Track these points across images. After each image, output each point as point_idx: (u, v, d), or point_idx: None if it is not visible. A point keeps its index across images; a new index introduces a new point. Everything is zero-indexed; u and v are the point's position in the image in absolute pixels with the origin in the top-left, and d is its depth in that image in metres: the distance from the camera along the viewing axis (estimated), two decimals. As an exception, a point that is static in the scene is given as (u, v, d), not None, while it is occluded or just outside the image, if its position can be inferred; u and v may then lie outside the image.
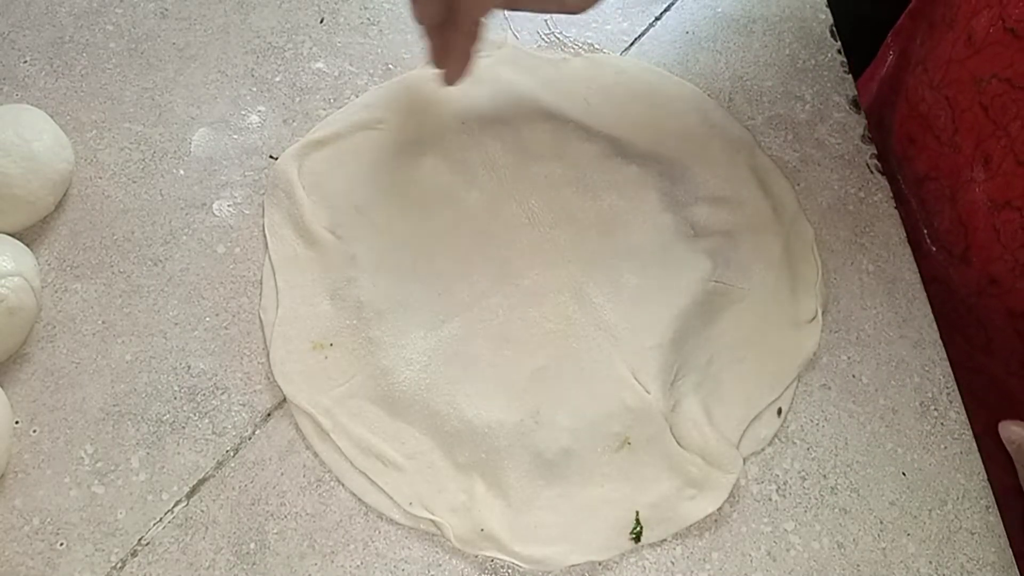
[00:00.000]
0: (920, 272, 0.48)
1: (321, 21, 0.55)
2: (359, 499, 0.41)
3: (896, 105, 0.54)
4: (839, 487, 0.42)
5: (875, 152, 0.51)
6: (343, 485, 0.41)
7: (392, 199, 0.47)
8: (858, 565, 0.41)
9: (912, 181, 0.52)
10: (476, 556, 0.40)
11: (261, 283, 0.46)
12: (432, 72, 0.48)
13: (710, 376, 0.44)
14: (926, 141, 0.50)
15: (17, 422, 0.42)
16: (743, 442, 0.43)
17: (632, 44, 0.55)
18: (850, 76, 0.54)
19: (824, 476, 0.42)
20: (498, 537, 0.40)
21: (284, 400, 0.43)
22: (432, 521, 0.40)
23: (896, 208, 0.50)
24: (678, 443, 0.42)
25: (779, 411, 0.43)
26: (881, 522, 0.42)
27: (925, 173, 0.51)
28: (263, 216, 0.48)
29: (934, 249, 0.50)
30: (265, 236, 0.47)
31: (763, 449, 0.43)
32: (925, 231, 0.50)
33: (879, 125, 0.54)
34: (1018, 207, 0.44)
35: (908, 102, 0.52)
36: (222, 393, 0.43)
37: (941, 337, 0.46)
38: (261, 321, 0.45)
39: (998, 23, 0.44)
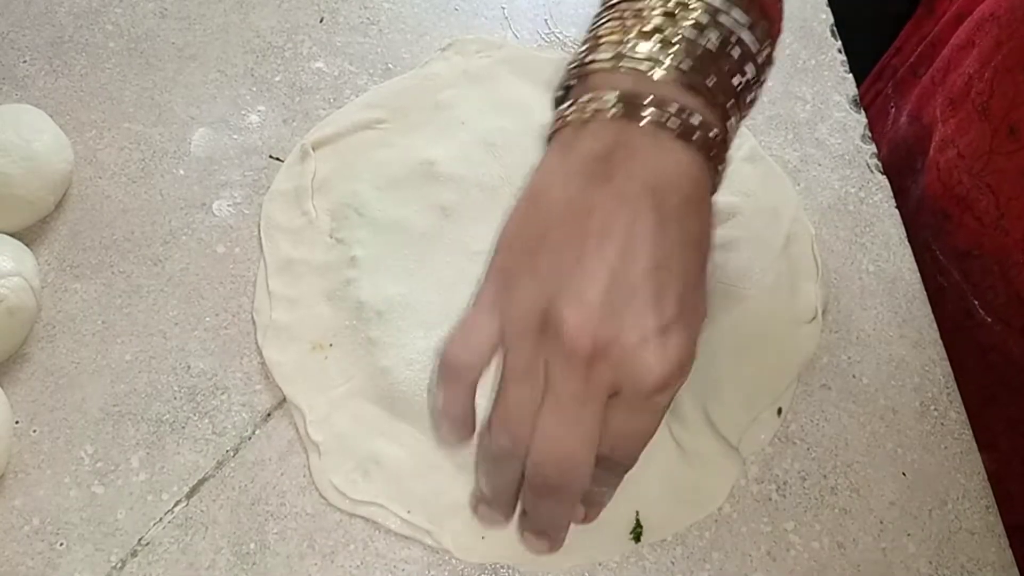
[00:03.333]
0: (975, 340, 0.47)
1: (321, 21, 0.55)
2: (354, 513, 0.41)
3: (922, 179, 0.51)
4: (839, 487, 0.42)
5: (875, 152, 0.51)
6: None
7: (392, 199, 0.47)
8: (858, 565, 0.41)
9: (952, 255, 0.48)
10: (476, 556, 0.40)
11: (256, 284, 0.46)
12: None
13: (710, 376, 0.44)
14: (964, 220, 0.47)
15: (17, 422, 0.42)
16: (743, 442, 0.43)
17: (632, 44, 0.55)
18: (850, 76, 0.54)
19: (824, 476, 0.42)
20: (499, 538, 0.40)
21: (284, 400, 0.43)
22: (429, 532, 0.40)
23: (897, 208, 0.50)
24: (678, 443, 0.42)
25: (779, 411, 0.43)
26: (881, 522, 0.42)
27: (967, 250, 0.47)
28: (261, 217, 0.48)
29: (989, 320, 0.47)
30: (260, 237, 0.47)
31: (763, 449, 0.43)
32: (976, 302, 0.47)
33: (899, 190, 0.50)
34: None
35: (941, 182, 0.49)
36: (222, 393, 0.43)
37: (1003, 399, 0.46)
38: (255, 323, 0.45)
39: None
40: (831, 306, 0.47)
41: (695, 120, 0.31)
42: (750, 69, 0.33)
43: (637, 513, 0.41)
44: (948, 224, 0.49)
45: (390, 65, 0.53)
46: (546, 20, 0.55)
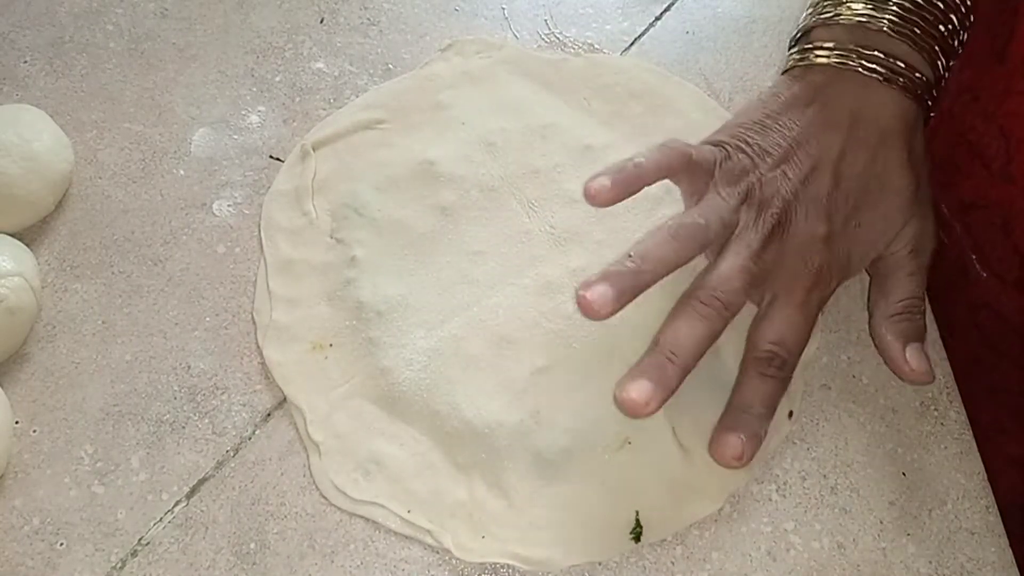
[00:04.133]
0: (967, 299, 0.47)
1: (321, 21, 0.55)
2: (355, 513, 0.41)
3: (937, 130, 0.52)
4: (839, 487, 0.42)
5: (963, 128, 0.51)
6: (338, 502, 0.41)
7: (392, 199, 0.47)
8: (858, 565, 0.41)
9: (957, 208, 0.50)
10: (476, 556, 0.40)
11: (256, 284, 0.46)
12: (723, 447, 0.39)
13: (712, 377, 0.44)
14: (973, 169, 0.49)
15: (17, 422, 0.42)
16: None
17: (632, 44, 0.55)
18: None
19: (824, 476, 0.42)
20: (498, 538, 0.40)
21: (284, 400, 0.43)
22: (429, 531, 0.40)
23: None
24: (680, 444, 0.42)
25: (790, 414, 0.43)
26: (881, 522, 0.42)
27: (972, 201, 0.49)
28: (261, 217, 0.48)
29: (984, 275, 0.48)
30: (261, 237, 0.47)
31: (772, 456, 0.43)
32: (974, 256, 0.48)
33: None
34: None
35: (954, 130, 0.50)
36: (222, 393, 0.43)
37: (988, 363, 0.46)
38: (255, 323, 0.45)
39: None
40: (831, 306, 0.47)
41: (900, 65, 0.41)
42: (955, 17, 0.42)
43: (637, 513, 0.41)
44: (957, 175, 0.50)
45: (390, 65, 0.53)
46: (546, 21, 0.55)
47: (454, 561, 0.40)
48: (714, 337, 0.39)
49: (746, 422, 0.39)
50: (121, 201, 0.48)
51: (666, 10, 0.56)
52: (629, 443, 0.42)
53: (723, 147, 0.42)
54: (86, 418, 0.43)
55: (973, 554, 0.41)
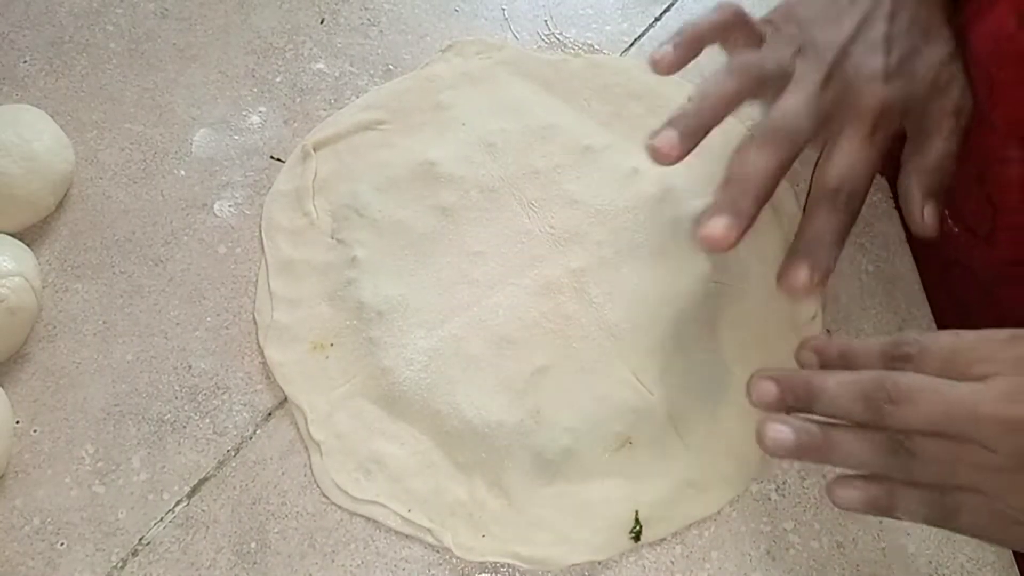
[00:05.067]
0: (941, 255, 0.48)
1: (322, 22, 0.55)
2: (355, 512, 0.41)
3: None
4: (839, 487, 0.42)
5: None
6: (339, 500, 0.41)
7: (392, 200, 0.47)
8: (858, 565, 0.41)
9: None
10: (476, 556, 0.40)
11: (257, 284, 0.46)
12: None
13: (712, 377, 0.44)
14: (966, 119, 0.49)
15: (17, 422, 0.42)
16: (752, 447, 0.42)
17: (632, 44, 0.55)
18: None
19: (824, 476, 0.42)
20: (499, 537, 0.40)
21: (285, 400, 0.43)
22: (429, 530, 0.40)
23: (896, 208, 0.50)
24: (683, 443, 0.42)
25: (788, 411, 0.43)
26: (881, 522, 0.42)
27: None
28: (262, 217, 0.48)
29: (956, 230, 0.49)
30: (261, 237, 0.47)
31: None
32: (946, 211, 0.49)
33: None
34: None
35: None
36: (223, 393, 0.43)
37: (960, 322, 0.46)
38: (256, 323, 0.45)
39: None
40: (831, 305, 0.47)
41: None
42: None
43: (637, 513, 0.41)
44: None
45: (391, 66, 0.54)
46: (546, 21, 0.55)
47: (454, 560, 0.40)
48: (784, 168, 0.39)
49: (815, 251, 0.39)
50: (122, 201, 0.48)
51: (666, 10, 0.56)
52: (630, 443, 0.42)
53: (770, 23, 0.44)
54: (87, 418, 0.43)
55: (973, 554, 0.41)
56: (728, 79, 0.40)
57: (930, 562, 0.41)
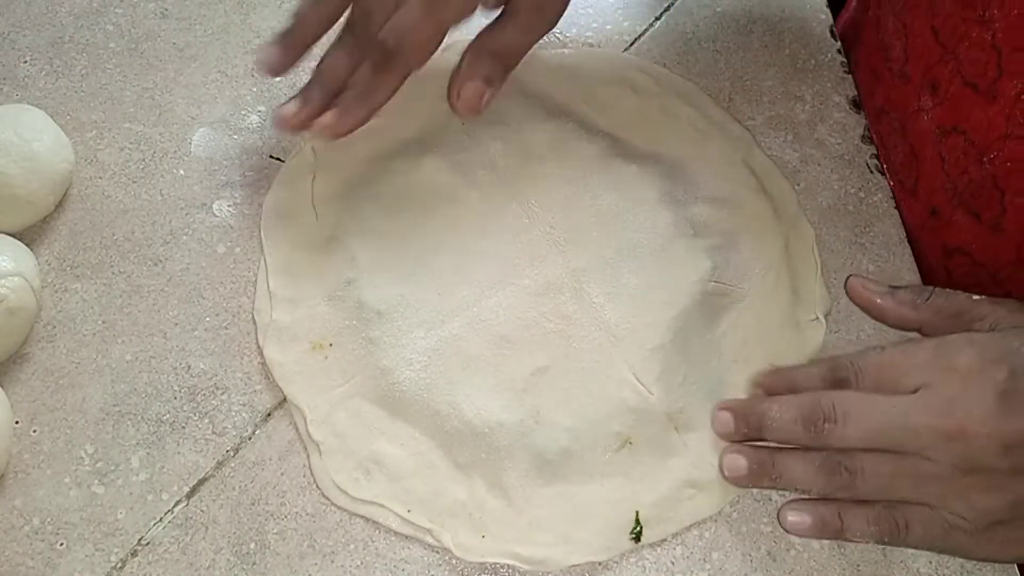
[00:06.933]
0: (945, 244, 0.49)
1: (321, 21, 0.55)
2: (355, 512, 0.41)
3: (862, 38, 0.56)
4: (839, 487, 0.42)
5: (875, 152, 0.51)
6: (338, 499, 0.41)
7: (392, 199, 0.47)
8: (858, 565, 0.41)
9: (873, 115, 0.53)
10: (476, 556, 0.40)
11: (256, 284, 0.46)
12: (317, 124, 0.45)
13: (714, 377, 0.44)
14: (883, 73, 0.52)
15: (17, 422, 0.42)
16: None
17: (632, 44, 0.55)
18: (850, 76, 0.54)
19: (824, 476, 0.42)
20: (498, 538, 0.40)
21: (284, 400, 0.43)
22: (429, 531, 0.40)
23: (896, 208, 0.50)
24: (684, 443, 0.42)
25: None
26: (881, 522, 0.42)
27: (881, 106, 0.52)
28: (261, 217, 0.48)
29: (891, 183, 0.51)
30: (261, 237, 0.47)
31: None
32: (884, 165, 0.51)
33: (852, 65, 0.55)
34: (963, 130, 0.45)
35: (875, 33, 0.53)
36: (222, 393, 0.43)
37: None
38: (255, 323, 0.45)
39: None
40: (831, 306, 0.47)
41: None
42: None
43: (637, 513, 0.41)
44: (874, 82, 0.53)
45: (390, 65, 0.53)
46: (546, 20, 0.55)
47: (454, 561, 0.40)
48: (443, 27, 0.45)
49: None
50: (121, 201, 0.48)
51: (666, 10, 0.56)
52: (630, 443, 0.42)
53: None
54: (86, 418, 0.43)
55: (973, 554, 0.41)
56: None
57: (930, 562, 0.41)
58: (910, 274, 0.48)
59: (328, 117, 0.44)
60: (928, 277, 0.49)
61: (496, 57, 0.45)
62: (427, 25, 0.43)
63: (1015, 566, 0.41)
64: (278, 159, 0.50)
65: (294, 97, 0.45)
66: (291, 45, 0.45)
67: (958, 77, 0.44)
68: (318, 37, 0.45)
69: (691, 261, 0.46)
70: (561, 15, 0.47)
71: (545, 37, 0.50)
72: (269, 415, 0.43)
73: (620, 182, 0.48)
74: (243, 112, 0.51)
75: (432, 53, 0.45)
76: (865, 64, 0.55)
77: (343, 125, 0.44)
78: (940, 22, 0.45)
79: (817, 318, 0.46)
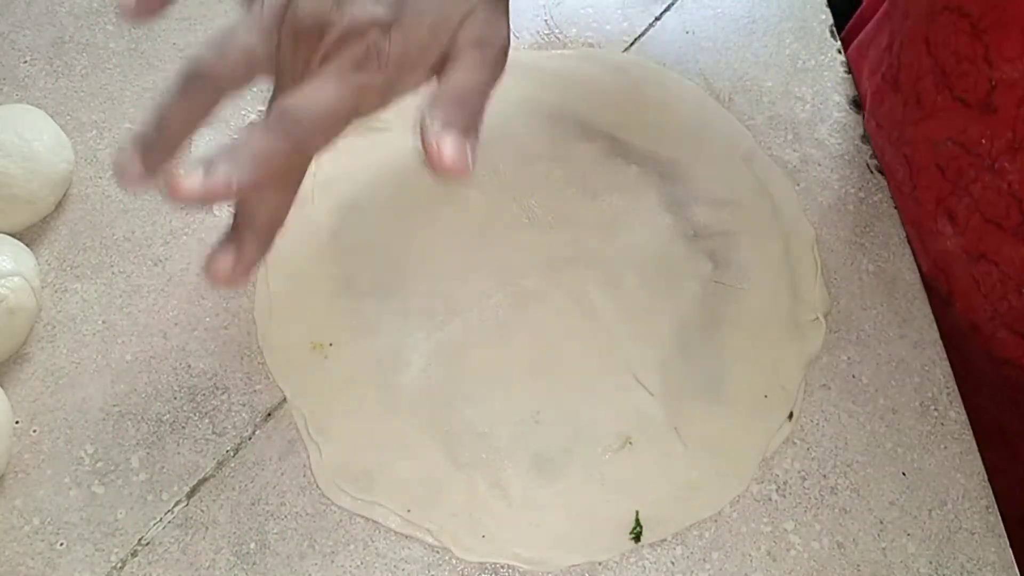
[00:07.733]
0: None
1: (321, 21, 0.55)
2: (355, 512, 0.41)
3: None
4: (839, 487, 0.42)
5: (875, 152, 0.51)
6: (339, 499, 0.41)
7: (393, 199, 0.47)
8: (858, 565, 0.41)
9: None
10: (476, 556, 0.40)
11: (256, 284, 0.46)
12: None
13: (713, 377, 0.44)
14: (891, 187, 0.50)
15: (17, 422, 0.42)
16: (752, 447, 0.42)
17: (632, 44, 0.55)
18: (850, 76, 0.54)
19: (824, 476, 0.42)
20: (499, 538, 0.40)
21: (284, 400, 0.43)
22: (429, 531, 0.40)
23: (896, 208, 0.50)
24: (683, 443, 0.42)
25: (790, 415, 0.43)
26: (881, 522, 0.42)
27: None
28: (263, 216, 0.48)
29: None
30: (265, 236, 0.47)
31: (772, 456, 0.43)
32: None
33: None
34: (995, 261, 0.44)
35: (874, 146, 0.52)
36: (222, 393, 0.43)
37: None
38: (255, 323, 0.45)
39: (944, 91, 0.43)
40: (831, 306, 0.47)
41: None
42: None
43: (637, 513, 0.41)
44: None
45: (390, 65, 0.53)
46: (546, 20, 0.55)
47: (454, 561, 0.40)
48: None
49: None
50: (121, 201, 0.48)
51: (666, 10, 0.56)
52: (629, 443, 0.42)
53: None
54: (86, 418, 0.43)
55: (973, 554, 0.41)
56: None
57: (930, 562, 0.41)
58: (910, 274, 0.48)
59: (223, 260, 0.37)
60: (982, 381, 0.48)
61: (459, 103, 0.37)
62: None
63: (1015, 566, 0.41)
64: (278, 159, 0.50)
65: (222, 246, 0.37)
66: (153, 151, 0.36)
67: (977, 213, 0.44)
68: (187, 137, 0.37)
69: (691, 261, 0.46)
70: (506, 54, 0.39)
71: (544, 37, 0.50)
72: (269, 415, 0.43)
73: (620, 183, 0.48)
74: (243, 112, 0.51)
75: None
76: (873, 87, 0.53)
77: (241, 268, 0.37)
78: (945, 162, 0.44)
79: (817, 318, 0.46)
